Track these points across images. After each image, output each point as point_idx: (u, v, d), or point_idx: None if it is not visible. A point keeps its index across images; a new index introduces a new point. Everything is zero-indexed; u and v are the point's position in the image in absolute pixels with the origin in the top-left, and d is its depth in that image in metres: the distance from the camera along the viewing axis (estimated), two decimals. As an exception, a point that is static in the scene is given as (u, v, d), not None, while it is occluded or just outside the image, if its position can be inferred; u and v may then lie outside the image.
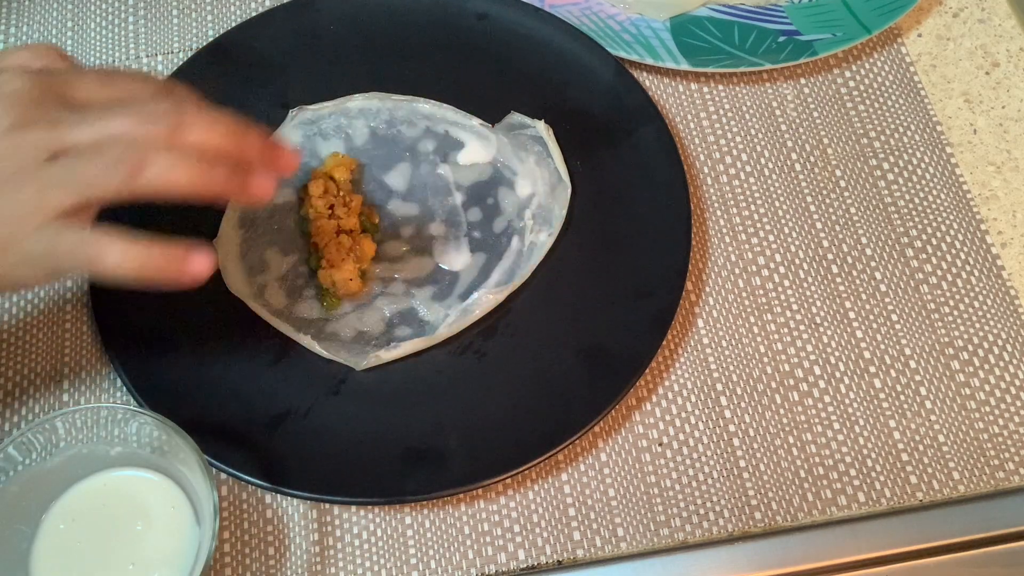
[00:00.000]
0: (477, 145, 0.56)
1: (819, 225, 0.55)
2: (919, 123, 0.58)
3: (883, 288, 0.53)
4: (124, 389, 0.50)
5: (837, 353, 0.51)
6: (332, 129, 0.56)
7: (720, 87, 0.59)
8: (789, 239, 0.55)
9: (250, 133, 0.39)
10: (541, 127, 0.55)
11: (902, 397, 0.50)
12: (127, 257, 0.37)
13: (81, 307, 0.52)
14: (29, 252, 0.37)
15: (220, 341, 0.50)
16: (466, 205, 0.54)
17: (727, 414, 0.50)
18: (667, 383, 0.51)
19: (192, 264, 0.38)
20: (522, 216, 0.53)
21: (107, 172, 0.36)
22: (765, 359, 0.51)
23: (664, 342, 0.49)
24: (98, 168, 0.36)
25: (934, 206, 0.55)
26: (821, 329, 0.52)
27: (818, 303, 0.53)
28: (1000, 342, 0.52)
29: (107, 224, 0.38)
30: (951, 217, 0.55)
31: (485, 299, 0.51)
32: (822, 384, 0.51)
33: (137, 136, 0.37)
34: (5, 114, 0.37)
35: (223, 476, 0.48)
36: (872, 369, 0.51)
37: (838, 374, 0.51)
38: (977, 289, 0.53)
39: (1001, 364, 0.51)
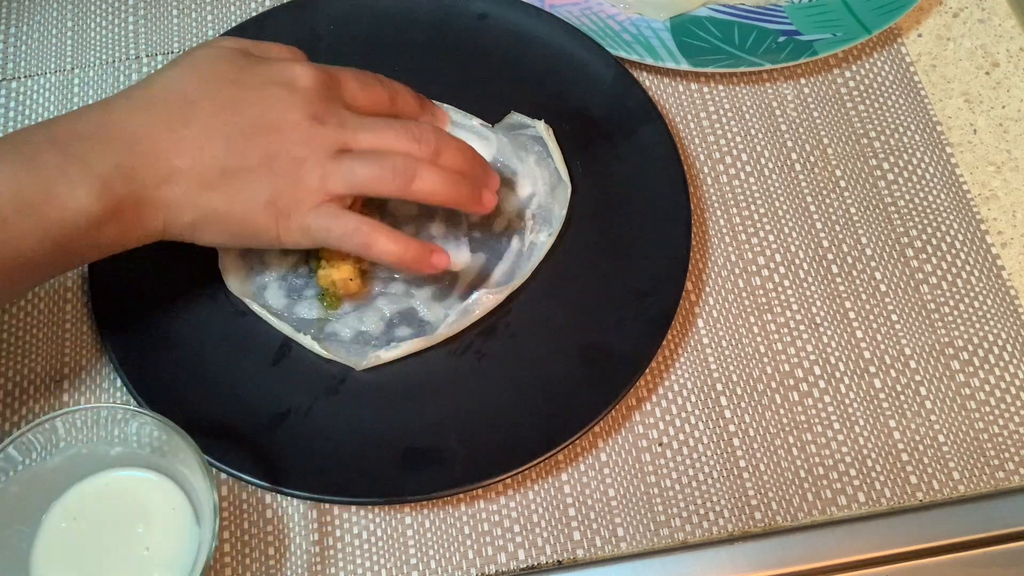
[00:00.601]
0: (477, 145, 0.55)
1: (819, 225, 0.55)
2: (919, 123, 0.58)
3: (883, 288, 0.53)
4: (124, 389, 0.50)
5: (837, 353, 0.51)
6: (332, 129, 0.56)
7: (720, 87, 0.59)
8: (789, 239, 0.55)
9: (478, 158, 0.49)
10: (541, 127, 0.55)
11: (902, 397, 0.50)
12: (394, 246, 0.46)
13: (81, 307, 0.52)
14: (308, 225, 0.45)
15: (220, 341, 0.50)
16: (466, 205, 0.54)
17: (727, 414, 0.50)
18: (667, 383, 0.51)
19: (436, 257, 0.47)
20: (522, 216, 0.53)
21: (384, 177, 0.45)
22: (765, 359, 0.51)
23: (664, 342, 0.49)
24: (376, 173, 0.45)
25: (934, 206, 0.55)
26: (821, 329, 0.52)
27: (818, 303, 0.53)
28: (1000, 342, 0.52)
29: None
30: (951, 217, 0.55)
31: (485, 299, 0.51)
32: (822, 384, 0.51)
33: (409, 151, 0.46)
34: (303, 107, 0.45)
35: (223, 476, 0.48)
36: (872, 369, 0.51)
37: (838, 374, 0.51)
38: (977, 289, 0.53)
39: (1001, 364, 0.51)
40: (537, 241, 0.53)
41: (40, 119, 0.57)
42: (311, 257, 0.52)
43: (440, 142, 0.47)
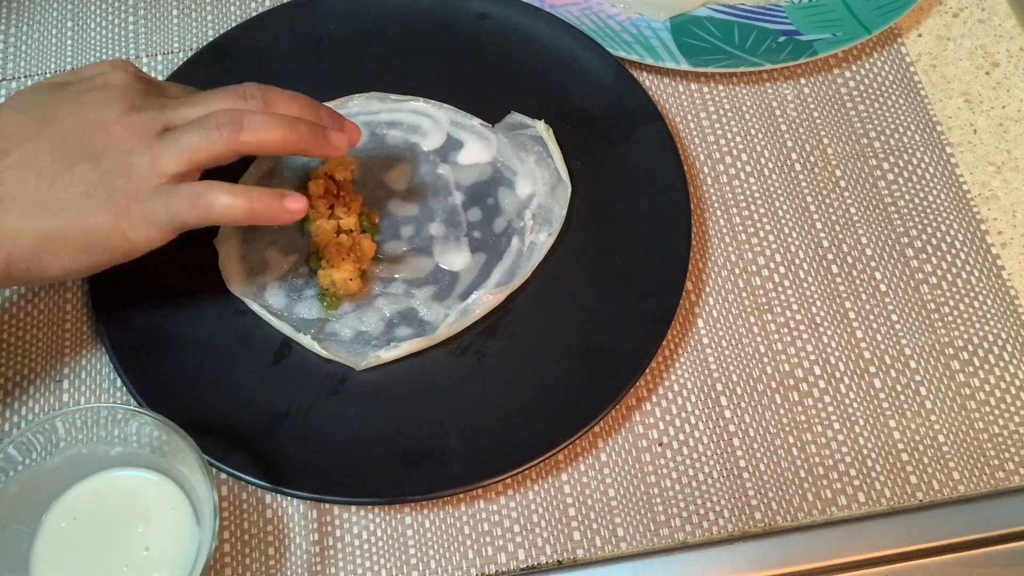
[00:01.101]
0: (477, 145, 0.56)
1: (819, 225, 0.55)
2: (919, 123, 0.58)
3: (883, 288, 0.53)
4: (124, 389, 0.50)
5: (837, 353, 0.51)
6: (332, 129, 0.56)
7: (720, 87, 0.59)
8: (789, 239, 0.55)
9: (321, 107, 0.47)
10: (541, 127, 0.55)
11: (902, 397, 0.50)
12: (235, 200, 0.43)
13: (81, 307, 0.52)
14: (149, 210, 0.43)
15: (220, 341, 0.50)
16: (466, 205, 0.54)
17: (727, 414, 0.50)
18: (667, 383, 0.51)
19: (289, 202, 0.44)
20: (522, 216, 0.53)
21: (211, 136, 0.43)
22: (765, 359, 0.51)
23: (664, 342, 0.49)
24: (202, 134, 0.43)
25: (934, 206, 0.55)
26: (821, 329, 0.52)
27: (818, 303, 0.53)
28: (1000, 342, 0.52)
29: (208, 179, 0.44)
30: (951, 217, 0.55)
31: (485, 299, 0.51)
32: (822, 384, 0.51)
33: (234, 106, 0.44)
34: (118, 101, 0.44)
35: (223, 476, 0.48)
36: (872, 369, 0.51)
37: (838, 374, 0.51)
38: (977, 289, 0.53)
39: (1001, 364, 0.51)
40: (537, 241, 0.53)
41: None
42: (311, 257, 0.52)
43: (269, 93, 0.45)
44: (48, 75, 0.59)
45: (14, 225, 0.41)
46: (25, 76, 0.59)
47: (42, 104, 0.44)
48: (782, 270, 0.54)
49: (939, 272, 0.54)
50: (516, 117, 0.56)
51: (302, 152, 0.46)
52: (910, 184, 0.56)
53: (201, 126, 0.43)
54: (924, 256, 0.54)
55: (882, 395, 0.50)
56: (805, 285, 0.53)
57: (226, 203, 0.43)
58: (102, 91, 0.44)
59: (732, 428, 0.50)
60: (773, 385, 0.51)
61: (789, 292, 0.53)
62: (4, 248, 0.41)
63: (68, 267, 0.43)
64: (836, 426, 0.50)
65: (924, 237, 0.55)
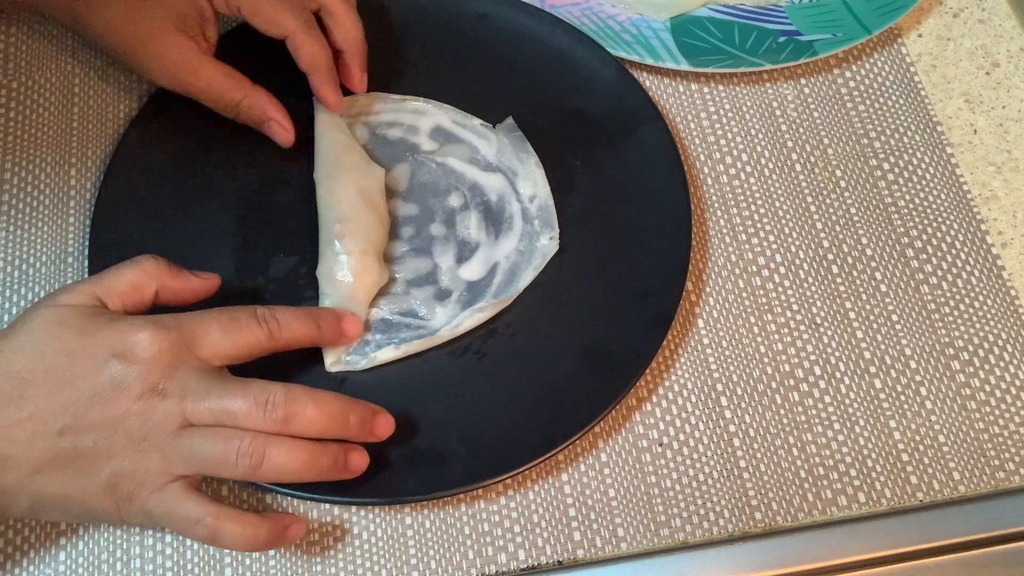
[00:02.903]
0: (478, 145, 0.56)
1: (819, 225, 0.55)
2: (919, 123, 0.58)
3: (883, 288, 0.53)
4: (124, 389, 0.49)
5: (837, 353, 0.51)
6: (332, 129, 0.56)
7: (720, 87, 0.59)
8: (789, 239, 0.55)
9: (351, 412, 0.44)
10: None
11: (902, 397, 0.50)
12: (243, 531, 0.42)
13: (81, 307, 0.52)
14: (148, 508, 0.41)
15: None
16: (466, 206, 0.54)
17: (727, 414, 0.50)
18: (667, 383, 0.51)
19: (292, 531, 0.44)
20: (523, 217, 0.53)
21: (228, 461, 0.41)
22: (765, 359, 0.51)
23: (664, 342, 0.49)
24: (220, 456, 0.41)
25: (934, 206, 0.55)
26: (821, 329, 0.52)
27: (818, 303, 0.53)
28: (1000, 342, 0.52)
29: (212, 497, 0.43)
30: (951, 217, 0.55)
31: (486, 301, 0.51)
32: (822, 384, 0.51)
33: (255, 425, 0.41)
34: (143, 379, 0.41)
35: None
36: (872, 369, 0.51)
37: (838, 374, 0.51)
38: (977, 289, 0.53)
39: (1001, 364, 0.51)
40: (539, 243, 0.53)
41: (41, 121, 0.57)
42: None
43: (293, 406, 0.42)
44: (48, 76, 0.59)
45: (15, 483, 0.41)
46: (25, 76, 0.59)
47: (63, 352, 0.41)
48: (782, 270, 0.54)
49: (939, 272, 0.54)
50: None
51: (311, 481, 0.43)
52: (910, 184, 0.56)
53: (220, 446, 0.41)
54: (924, 256, 0.54)
55: (882, 395, 0.50)
56: (805, 285, 0.53)
57: (233, 538, 0.42)
58: (125, 362, 0.41)
59: (732, 428, 0.50)
60: (773, 385, 0.51)
61: (789, 292, 0.53)
62: (2, 500, 0.41)
63: (60, 520, 0.46)
64: (836, 426, 0.50)
65: (924, 237, 0.55)
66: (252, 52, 0.58)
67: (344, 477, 0.44)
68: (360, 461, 0.44)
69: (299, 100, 0.56)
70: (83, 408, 0.41)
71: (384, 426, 0.45)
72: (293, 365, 0.50)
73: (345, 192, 0.51)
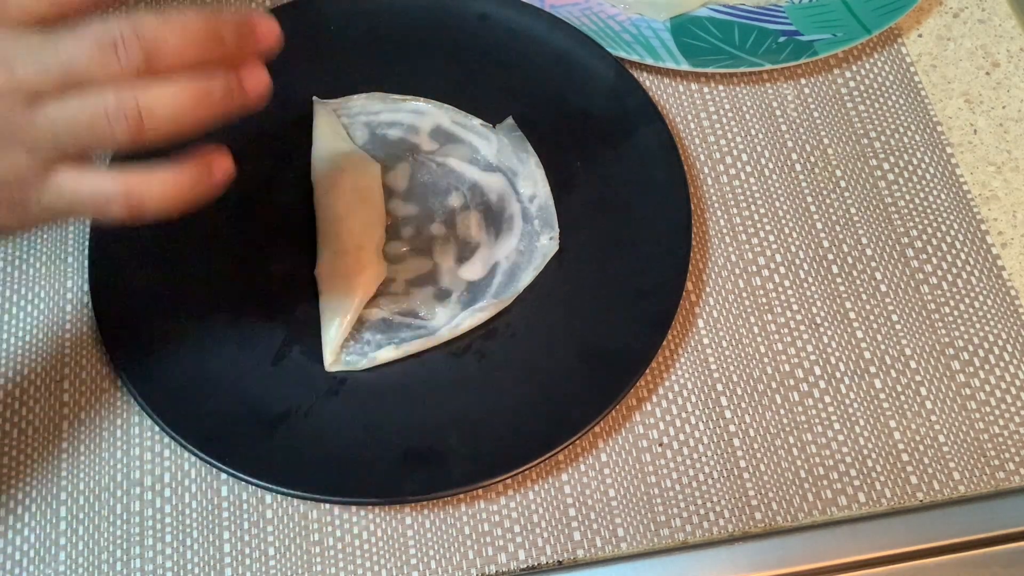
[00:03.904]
0: (477, 145, 0.56)
1: (819, 225, 0.55)
2: (919, 123, 0.58)
3: (883, 288, 0.53)
4: (124, 389, 0.50)
5: (837, 353, 0.51)
6: (332, 129, 0.56)
7: (720, 87, 0.59)
8: (789, 239, 0.55)
9: (222, 27, 0.35)
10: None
11: (902, 397, 0.50)
12: (166, 189, 0.35)
13: (81, 307, 0.52)
14: (48, 206, 0.35)
15: (220, 341, 0.50)
16: (466, 206, 0.54)
17: (727, 414, 0.50)
18: (667, 383, 0.51)
19: (217, 165, 0.36)
20: (523, 217, 0.53)
21: (103, 126, 0.33)
22: (765, 359, 0.51)
23: (664, 342, 0.49)
24: (89, 120, 0.33)
25: (934, 206, 0.55)
26: (821, 329, 0.52)
27: (818, 303, 0.53)
28: (1000, 342, 0.52)
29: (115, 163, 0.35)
30: (951, 217, 0.55)
31: (486, 301, 0.51)
32: (822, 384, 0.51)
33: (108, 73, 0.33)
34: None
35: (223, 476, 0.48)
36: (872, 369, 0.51)
37: (838, 374, 0.51)
38: (977, 289, 0.53)
39: (1001, 364, 0.51)
40: (539, 243, 0.53)
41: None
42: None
43: (146, 37, 0.33)
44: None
45: None
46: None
47: None
48: (782, 270, 0.54)
49: (939, 272, 0.54)
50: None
51: (219, 120, 0.35)
52: (910, 184, 0.56)
53: (84, 112, 0.33)
54: (924, 256, 0.54)
55: (882, 395, 0.50)
56: (805, 285, 0.53)
57: (160, 201, 0.35)
58: None
59: (732, 428, 0.50)
60: (773, 385, 0.51)
61: (789, 292, 0.53)
62: None
63: None
64: (836, 426, 0.50)
65: (924, 237, 0.55)
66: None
67: (247, 106, 0.36)
68: (257, 78, 0.36)
69: (298, 101, 0.56)
70: None
71: (267, 26, 0.36)
72: (291, 367, 0.50)
73: (341, 191, 0.51)
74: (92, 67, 0.33)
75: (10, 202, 0.35)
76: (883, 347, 0.52)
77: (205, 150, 0.36)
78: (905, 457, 0.49)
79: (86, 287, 0.52)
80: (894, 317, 0.52)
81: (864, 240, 0.55)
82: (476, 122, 0.56)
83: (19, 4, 0.34)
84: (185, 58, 0.34)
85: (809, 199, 0.56)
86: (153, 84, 0.33)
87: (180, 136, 0.34)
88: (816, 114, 0.58)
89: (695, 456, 0.49)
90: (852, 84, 0.59)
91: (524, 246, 0.53)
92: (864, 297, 0.53)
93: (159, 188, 0.35)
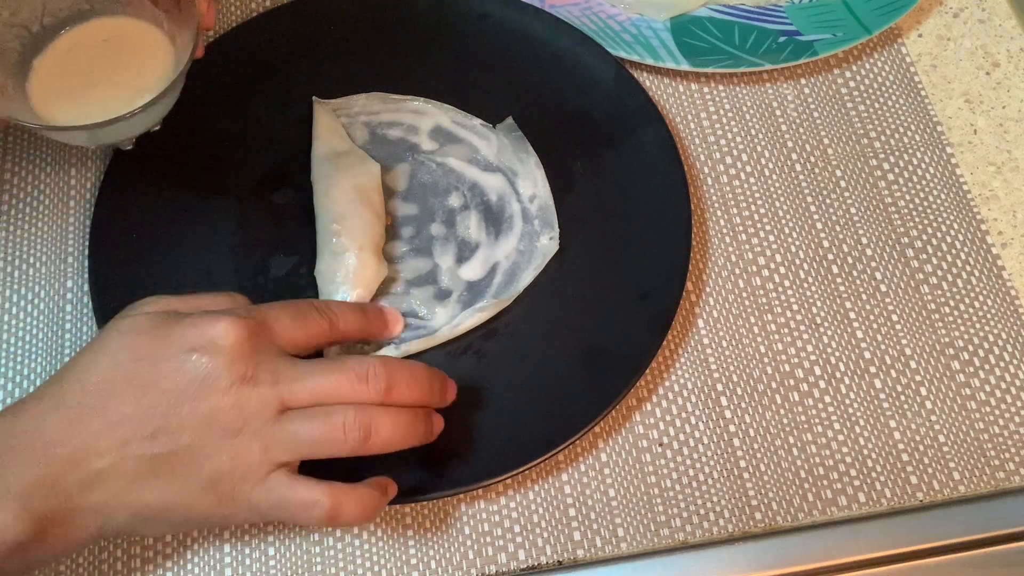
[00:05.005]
0: (477, 145, 0.56)
1: (819, 225, 0.55)
2: (919, 123, 0.58)
3: (883, 288, 0.53)
4: (124, 389, 0.49)
5: (837, 353, 0.51)
6: (332, 129, 0.56)
7: (720, 87, 0.59)
8: (789, 239, 0.55)
9: (433, 379, 0.44)
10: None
11: (902, 397, 0.50)
12: (362, 510, 0.41)
13: (81, 307, 0.52)
14: (255, 502, 0.40)
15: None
16: (466, 206, 0.54)
17: (727, 414, 0.50)
18: (667, 383, 0.51)
19: (391, 488, 0.44)
20: (523, 217, 0.53)
21: (334, 440, 0.40)
22: (765, 359, 0.51)
23: (664, 342, 0.49)
24: (325, 436, 0.40)
25: (934, 206, 0.55)
26: (821, 329, 0.52)
27: (818, 303, 0.53)
28: (1000, 342, 0.52)
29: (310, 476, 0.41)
30: (951, 217, 0.55)
31: (486, 301, 0.51)
32: (822, 384, 0.51)
33: (357, 397, 0.41)
34: (230, 369, 0.39)
35: (223, 476, 0.48)
36: (872, 369, 0.51)
37: (838, 374, 0.51)
38: (977, 289, 0.53)
39: (1001, 364, 0.51)
40: (539, 243, 0.53)
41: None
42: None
43: (391, 376, 0.42)
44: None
45: (112, 498, 0.39)
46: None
47: (141, 357, 0.40)
48: (782, 270, 0.54)
49: (939, 272, 0.54)
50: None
51: (408, 447, 0.43)
52: (910, 184, 0.56)
53: (325, 425, 0.40)
54: (924, 256, 0.54)
55: (882, 395, 0.50)
56: (805, 285, 0.53)
57: (354, 517, 0.41)
58: (207, 355, 0.39)
59: (732, 428, 0.50)
60: (773, 385, 0.51)
61: (789, 292, 0.53)
62: (99, 519, 0.39)
63: (164, 532, 0.43)
64: (836, 426, 0.50)
65: (924, 237, 0.55)
66: (251, 53, 0.58)
67: (430, 441, 0.44)
68: (440, 424, 0.44)
69: (298, 101, 0.56)
70: (172, 408, 0.39)
71: (453, 390, 0.45)
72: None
73: (341, 192, 0.51)
74: (346, 389, 0.41)
75: (224, 493, 0.40)
76: (883, 347, 0.52)
77: (383, 480, 0.44)
78: (905, 457, 0.49)
79: (86, 287, 0.52)
80: (894, 317, 0.52)
81: (864, 240, 0.55)
82: (476, 122, 0.56)
83: (285, 334, 0.42)
84: (412, 395, 0.42)
85: (809, 199, 0.56)
86: (385, 409, 0.41)
87: (381, 452, 0.42)
88: (816, 114, 0.58)
89: (695, 456, 0.49)
90: (852, 84, 0.59)
91: (524, 246, 0.53)
92: (864, 297, 0.53)
93: (356, 508, 0.41)
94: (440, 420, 0.44)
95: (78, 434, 0.38)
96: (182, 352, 0.40)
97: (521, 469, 0.46)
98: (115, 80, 0.48)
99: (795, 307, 0.53)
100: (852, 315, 0.52)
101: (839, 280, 0.53)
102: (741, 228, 0.55)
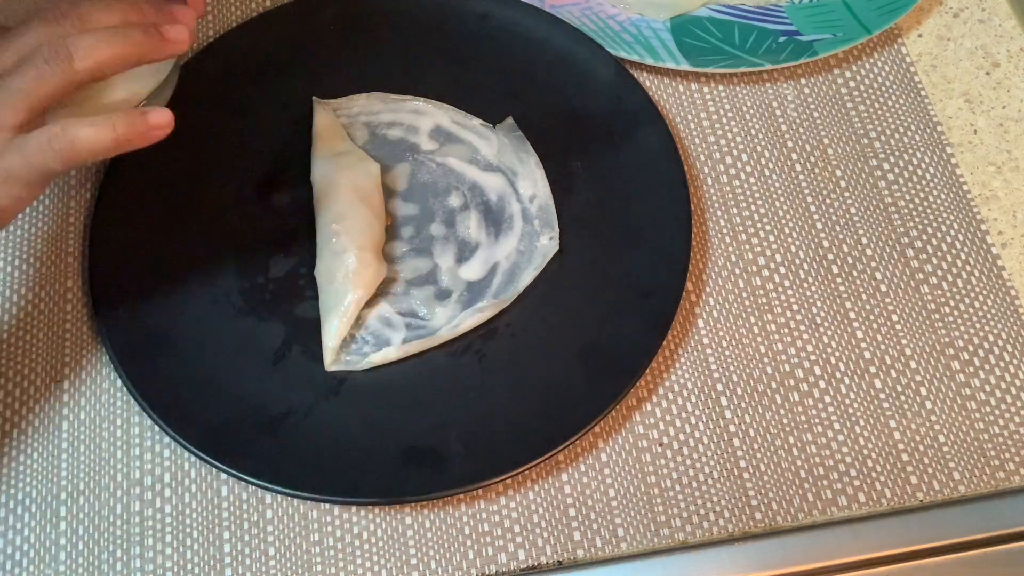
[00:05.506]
0: (477, 145, 0.56)
1: (819, 225, 0.55)
2: (919, 123, 0.58)
3: (883, 288, 0.53)
4: (124, 389, 0.50)
5: (837, 353, 0.51)
6: (332, 129, 0.56)
7: (720, 87, 0.59)
8: (789, 239, 0.55)
9: (142, 2, 0.43)
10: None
11: (902, 397, 0.50)
12: (98, 131, 0.40)
13: (81, 307, 0.52)
14: (6, 169, 0.40)
15: (220, 341, 0.50)
16: (466, 206, 0.54)
17: (727, 414, 0.50)
18: (667, 383, 0.51)
19: (153, 117, 0.41)
20: (523, 217, 0.53)
21: (42, 74, 0.40)
22: (765, 359, 0.51)
23: (664, 342, 0.49)
24: (32, 74, 0.40)
25: (934, 206, 0.55)
26: (821, 329, 0.52)
27: (818, 303, 0.53)
28: (1000, 342, 0.52)
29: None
30: (951, 217, 0.55)
31: (486, 301, 0.51)
32: (822, 384, 0.51)
33: (50, 37, 0.41)
34: None
35: (223, 476, 0.48)
36: (872, 369, 0.51)
37: (838, 374, 0.51)
38: (977, 289, 0.53)
39: (1001, 364, 0.51)
40: (539, 243, 0.53)
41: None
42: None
43: (82, 7, 0.41)
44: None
45: None
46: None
47: None
48: (782, 270, 0.54)
49: (939, 272, 0.54)
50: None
51: (144, 61, 0.42)
52: (910, 184, 0.56)
53: (29, 66, 0.40)
54: (924, 256, 0.54)
55: (882, 395, 0.50)
56: (805, 285, 0.53)
57: (89, 136, 0.40)
58: None
59: (732, 428, 0.50)
60: (773, 385, 0.51)
61: (789, 292, 0.53)
62: None
63: None
64: (836, 426, 0.50)
65: (924, 237, 0.55)
66: (251, 53, 0.58)
67: (167, 49, 0.42)
68: (177, 30, 0.42)
69: (298, 103, 0.56)
70: None
71: (185, 12, 0.44)
72: (291, 367, 0.50)
73: (340, 192, 0.51)
74: (38, 35, 0.41)
75: None
76: (883, 347, 0.52)
77: (149, 110, 0.42)
78: (905, 457, 0.49)
79: (86, 287, 0.52)
80: (894, 317, 0.52)
81: (864, 240, 0.55)
82: (476, 122, 0.56)
83: None
84: (111, 20, 0.42)
85: (809, 199, 0.56)
86: (81, 33, 0.41)
87: (109, 70, 0.41)
88: (816, 114, 0.58)
89: (695, 456, 0.49)
90: (852, 84, 0.59)
91: (524, 246, 0.53)
92: (864, 297, 0.53)
93: (90, 132, 0.40)
94: (179, 30, 0.43)
95: None
96: None
97: (521, 469, 0.46)
98: (109, 81, 0.47)
99: (795, 307, 0.53)
100: (852, 315, 0.52)
101: (839, 280, 0.53)
102: (741, 228, 0.55)
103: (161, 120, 0.41)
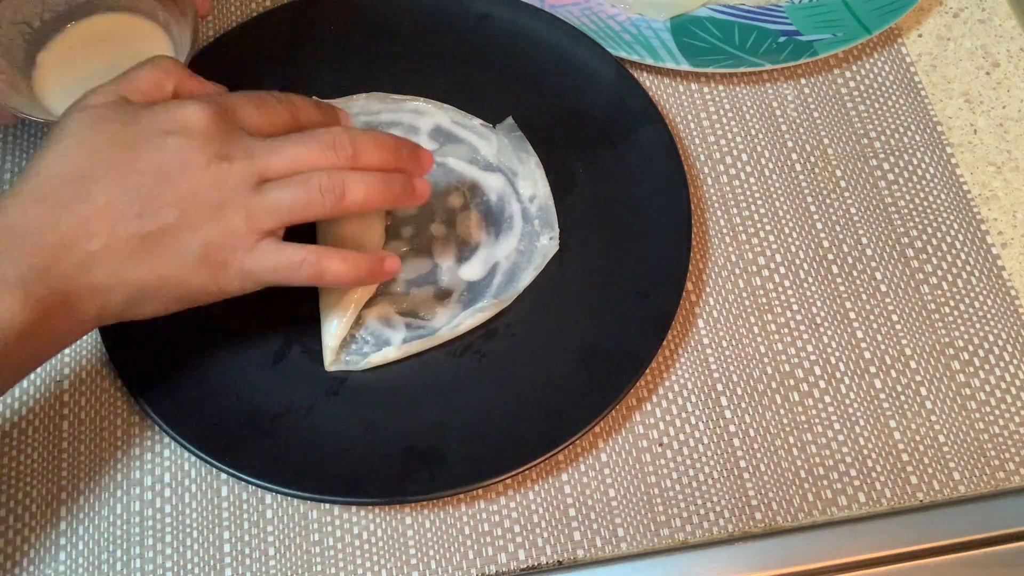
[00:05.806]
0: (478, 144, 0.56)
1: (819, 225, 0.55)
2: (919, 123, 0.58)
3: (883, 288, 0.53)
4: (124, 389, 0.50)
5: (837, 353, 0.51)
6: (332, 129, 0.56)
7: (720, 87, 0.59)
8: (789, 239, 0.55)
9: (401, 145, 0.46)
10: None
11: (902, 397, 0.50)
12: (347, 268, 0.44)
13: (81, 307, 0.52)
14: (248, 269, 0.43)
15: (220, 341, 0.50)
16: (466, 206, 0.54)
17: (727, 414, 0.50)
18: (667, 383, 0.51)
19: (388, 263, 0.46)
20: (523, 217, 0.53)
21: (312, 200, 0.42)
22: (765, 359, 0.51)
23: (664, 342, 0.49)
24: (303, 198, 0.42)
25: (934, 206, 0.55)
26: (821, 329, 0.52)
27: (818, 303, 0.53)
28: (1000, 342, 0.52)
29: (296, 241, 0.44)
30: (951, 217, 0.55)
31: (486, 301, 0.51)
32: (822, 384, 0.51)
33: (328, 163, 0.43)
34: (203, 148, 0.42)
35: (223, 476, 0.48)
36: (872, 369, 0.51)
37: (838, 374, 0.51)
38: (977, 289, 0.53)
39: (1001, 364, 0.51)
40: (539, 243, 0.53)
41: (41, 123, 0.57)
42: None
43: (356, 143, 0.44)
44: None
45: (108, 278, 0.41)
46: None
47: (115, 142, 0.41)
48: (782, 270, 0.54)
49: (939, 272, 0.54)
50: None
51: (391, 208, 0.50)
52: (910, 184, 0.56)
53: (302, 187, 0.42)
54: (924, 256, 0.54)
55: (882, 395, 0.50)
56: (805, 285, 0.53)
57: (338, 272, 0.44)
58: (182, 137, 0.41)
59: (732, 428, 0.50)
60: (773, 385, 0.51)
61: (789, 292, 0.53)
62: (98, 300, 0.41)
63: (160, 311, 0.44)
64: (836, 426, 0.50)
65: (924, 237, 0.55)
66: (251, 53, 0.58)
67: (414, 201, 0.46)
68: (424, 186, 0.46)
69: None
70: (155, 188, 0.41)
71: (428, 157, 0.47)
72: (291, 367, 0.50)
73: None
74: (315, 157, 0.43)
75: (216, 264, 0.42)
76: (883, 347, 0.52)
77: (382, 252, 0.48)
78: (905, 457, 0.49)
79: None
80: (894, 317, 0.52)
81: (864, 240, 0.55)
82: (476, 122, 0.56)
83: (248, 119, 0.44)
84: (379, 158, 0.45)
85: (809, 199, 0.56)
86: (356, 171, 0.44)
87: (366, 210, 0.45)
88: (816, 114, 0.58)
89: (695, 456, 0.49)
90: (852, 84, 0.59)
91: (524, 246, 0.53)
92: (864, 297, 0.53)
93: (341, 266, 0.44)
94: (424, 184, 0.46)
95: (65, 222, 0.40)
96: (156, 136, 0.41)
97: (521, 469, 0.46)
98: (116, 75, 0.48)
99: (795, 307, 0.53)
100: (852, 315, 0.52)
101: (839, 280, 0.53)
102: (741, 228, 0.55)
103: (394, 268, 0.46)
